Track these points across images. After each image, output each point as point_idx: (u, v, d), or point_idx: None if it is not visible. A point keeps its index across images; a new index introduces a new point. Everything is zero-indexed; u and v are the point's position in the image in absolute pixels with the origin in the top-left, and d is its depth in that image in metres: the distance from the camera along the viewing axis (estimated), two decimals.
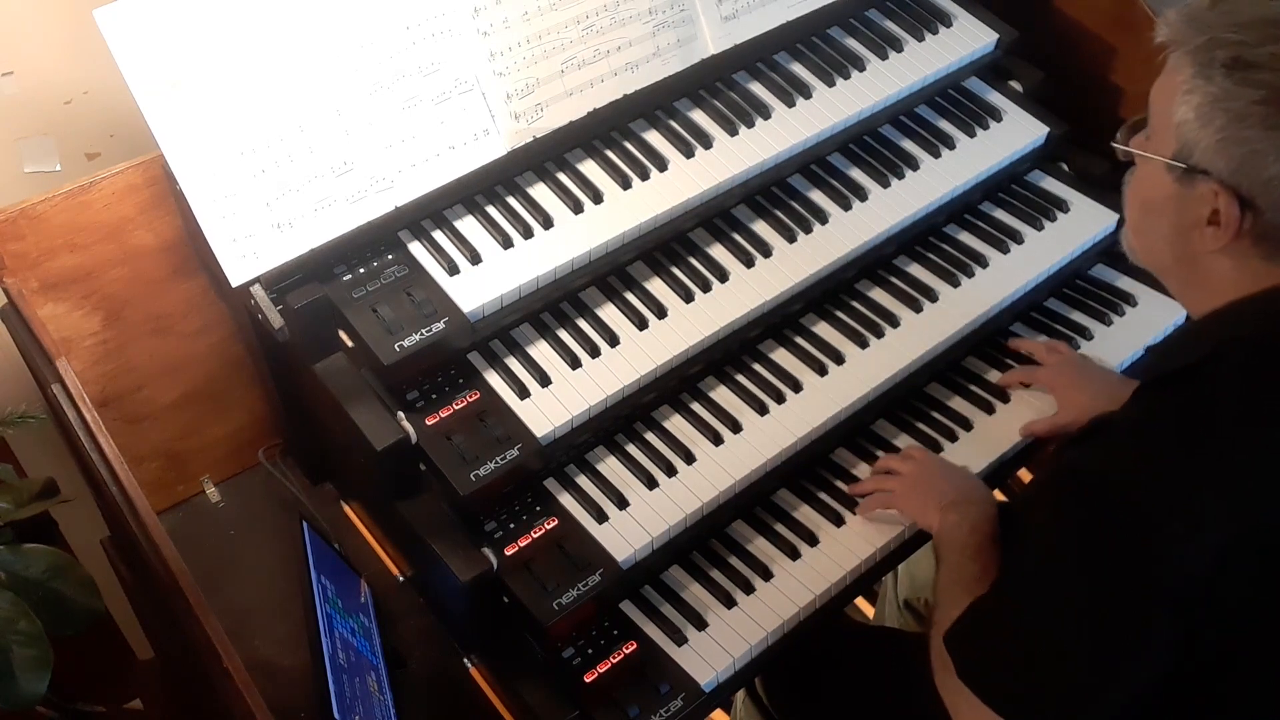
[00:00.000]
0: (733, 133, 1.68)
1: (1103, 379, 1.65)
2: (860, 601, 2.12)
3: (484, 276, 1.50)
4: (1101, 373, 1.68)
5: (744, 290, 1.61)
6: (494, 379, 1.51)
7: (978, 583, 1.30)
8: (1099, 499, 1.11)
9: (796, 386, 1.62)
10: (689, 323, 1.57)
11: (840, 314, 1.72)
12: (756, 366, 1.65)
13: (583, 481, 1.53)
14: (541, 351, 1.54)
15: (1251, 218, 1.10)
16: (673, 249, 1.65)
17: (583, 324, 1.57)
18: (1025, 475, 2.28)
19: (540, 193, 1.60)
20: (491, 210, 1.58)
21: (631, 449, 1.56)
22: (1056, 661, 1.13)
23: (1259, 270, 1.13)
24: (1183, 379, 1.11)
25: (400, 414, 1.44)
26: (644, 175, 1.62)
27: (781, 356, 1.66)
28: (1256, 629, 1.10)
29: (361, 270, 1.49)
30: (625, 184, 1.61)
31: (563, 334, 1.56)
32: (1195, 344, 1.16)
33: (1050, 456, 1.30)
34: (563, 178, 1.61)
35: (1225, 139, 1.08)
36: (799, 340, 1.68)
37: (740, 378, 1.63)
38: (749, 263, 1.64)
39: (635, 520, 1.48)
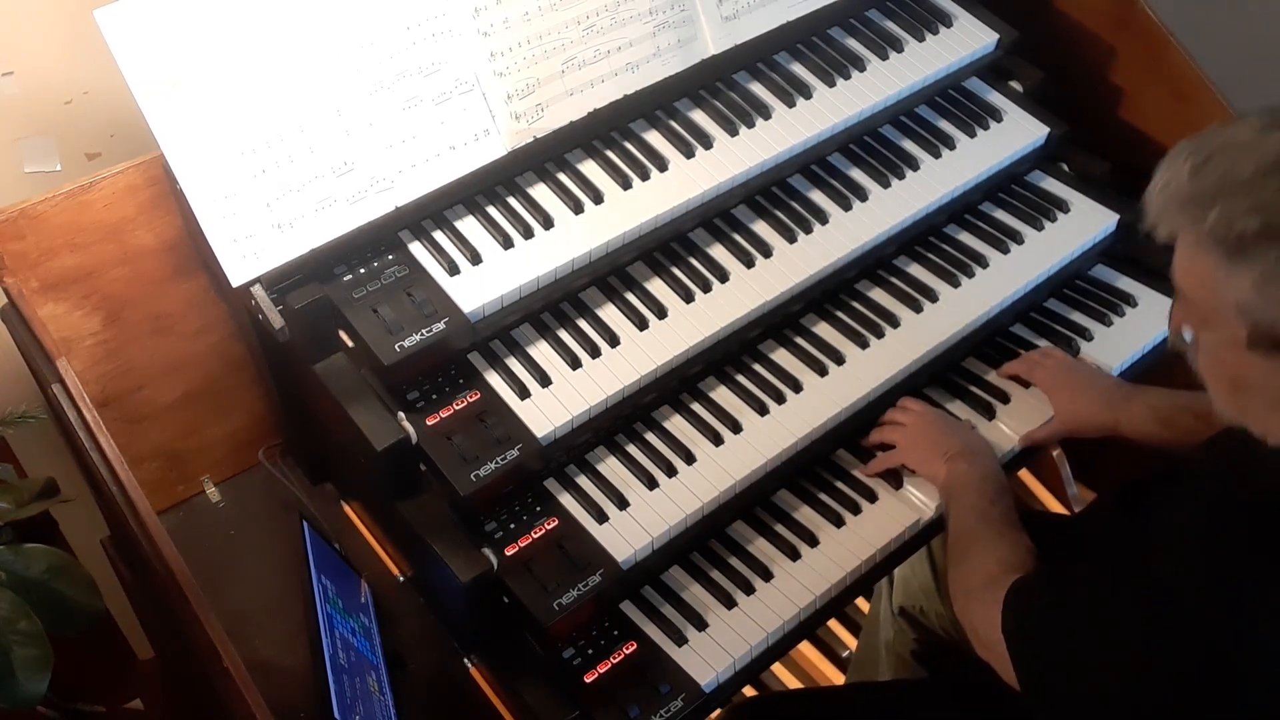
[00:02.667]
0: (733, 133, 1.68)
1: (1098, 383, 1.65)
2: (860, 602, 2.12)
3: (484, 276, 1.50)
4: (1096, 376, 1.67)
5: (744, 290, 1.61)
6: (494, 379, 1.51)
7: (1003, 522, 1.31)
8: (1170, 616, 1.06)
9: (797, 387, 1.62)
10: (689, 323, 1.57)
11: (840, 314, 1.72)
12: (757, 367, 1.65)
13: (583, 482, 1.53)
14: (542, 351, 1.54)
15: None
16: (673, 249, 1.65)
17: (583, 324, 1.57)
18: (1026, 476, 2.29)
19: (540, 193, 1.60)
20: (492, 210, 1.58)
21: (632, 449, 1.56)
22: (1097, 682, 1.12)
23: None
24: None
25: (400, 414, 1.44)
26: (644, 175, 1.62)
27: (782, 357, 1.66)
28: None
29: (362, 270, 1.49)
30: (625, 184, 1.61)
31: (563, 334, 1.56)
32: None
33: (1120, 501, 1.28)
34: (563, 178, 1.61)
35: None
36: (799, 340, 1.68)
37: (740, 378, 1.63)
38: (749, 263, 1.64)
39: (635, 520, 1.48)
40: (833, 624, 2.15)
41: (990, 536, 1.33)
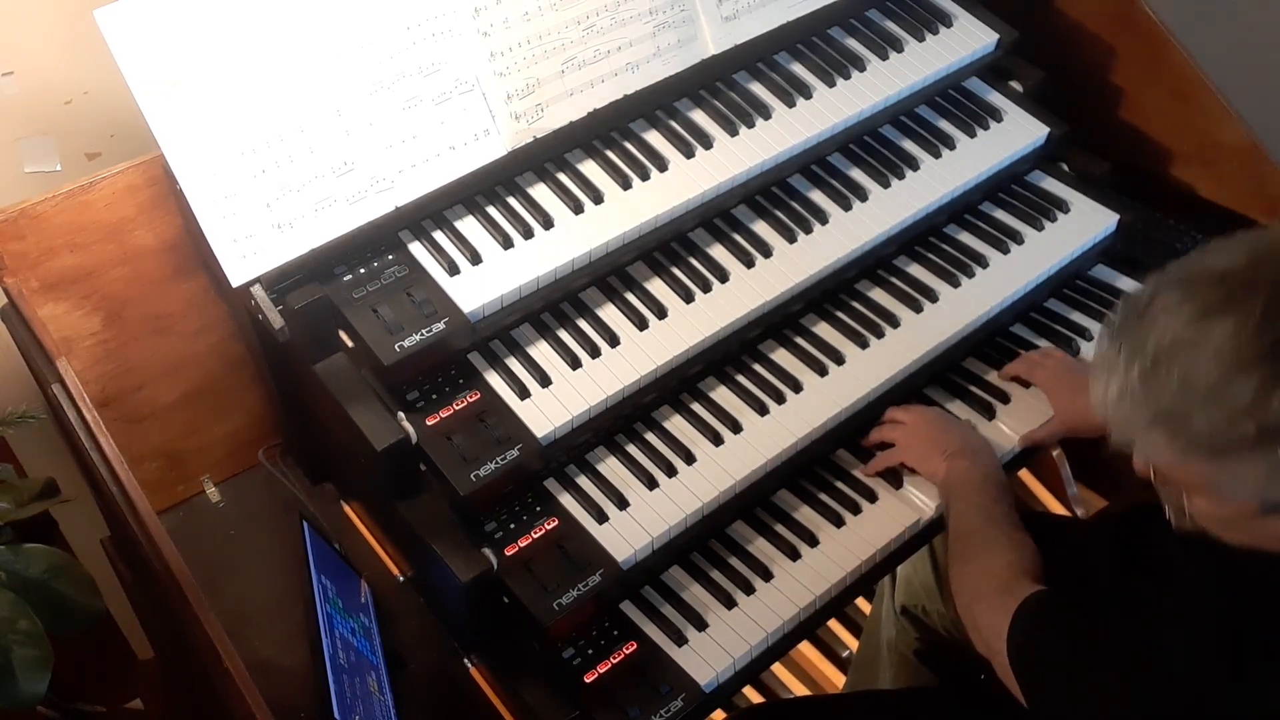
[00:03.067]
0: (733, 133, 1.68)
1: None
2: (861, 601, 2.12)
3: (484, 277, 1.50)
4: None
5: (744, 290, 1.61)
6: (494, 379, 1.51)
7: (1008, 522, 1.31)
8: (1168, 689, 1.08)
9: (797, 387, 1.62)
10: (689, 323, 1.57)
11: (840, 314, 1.72)
12: (757, 367, 1.65)
13: (583, 482, 1.53)
14: (542, 351, 1.54)
15: None
16: (673, 249, 1.65)
17: (583, 324, 1.57)
18: (1026, 476, 2.29)
19: (540, 193, 1.60)
20: (492, 210, 1.58)
21: (632, 449, 1.56)
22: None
23: None
24: None
25: (400, 414, 1.44)
26: (644, 175, 1.62)
27: (782, 357, 1.66)
28: None
29: (362, 270, 1.49)
30: (625, 184, 1.61)
31: (563, 334, 1.56)
32: None
33: (1128, 523, 1.28)
34: (563, 178, 1.61)
35: None
36: (799, 340, 1.68)
37: (740, 378, 1.63)
38: (749, 263, 1.64)
39: (635, 520, 1.48)
40: (833, 624, 2.15)
41: (998, 538, 1.33)
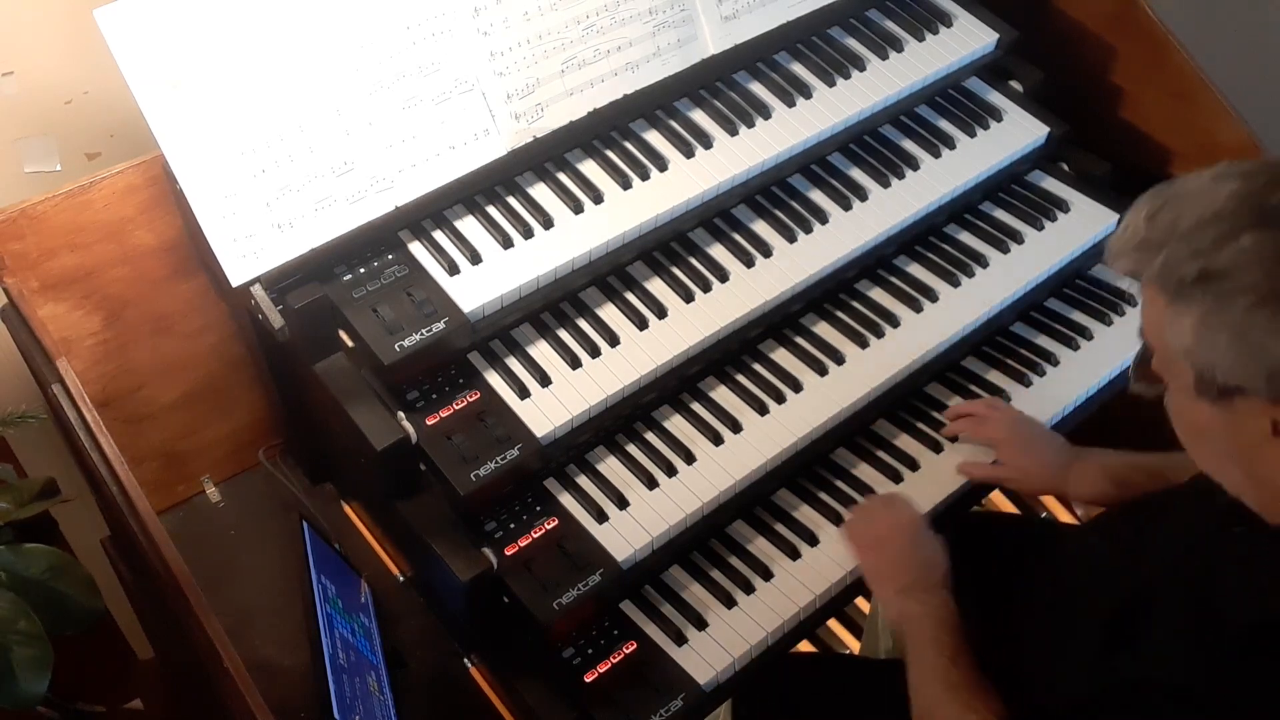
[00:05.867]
0: (733, 133, 1.68)
1: (1045, 442, 1.59)
2: (860, 601, 2.12)
3: (484, 276, 1.50)
4: (1042, 435, 1.61)
5: (744, 290, 1.61)
6: (494, 379, 1.51)
7: (970, 692, 1.25)
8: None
9: (796, 386, 1.62)
10: (689, 323, 1.57)
11: (840, 314, 1.72)
12: (756, 366, 1.65)
13: (583, 481, 1.53)
14: (541, 351, 1.54)
15: None
16: (673, 249, 1.65)
17: (583, 324, 1.57)
18: None
19: (540, 193, 1.60)
20: (492, 210, 1.58)
21: (632, 449, 1.56)
22: None
23: None
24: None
25: (400, 414, 1.44)
26: (644, 175, 1.62)
27: (781, 356, 1.66)
28: None
29: (362, 270, 1.49)
30: (625, 184, 1.61)
31: (563, 334, 1.56)
32: None
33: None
34: (563, 178, 1.61)
35: (1240, 354, 0.97)
36: (799, 340, 1.68)
37: (740, 378, 1.63)
38: (749, 263, 1.64)
39: (635, 520, 1.48)
40: (833, 624, 2.15)
41: (959, 713, 1.26)
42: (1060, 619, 1.29)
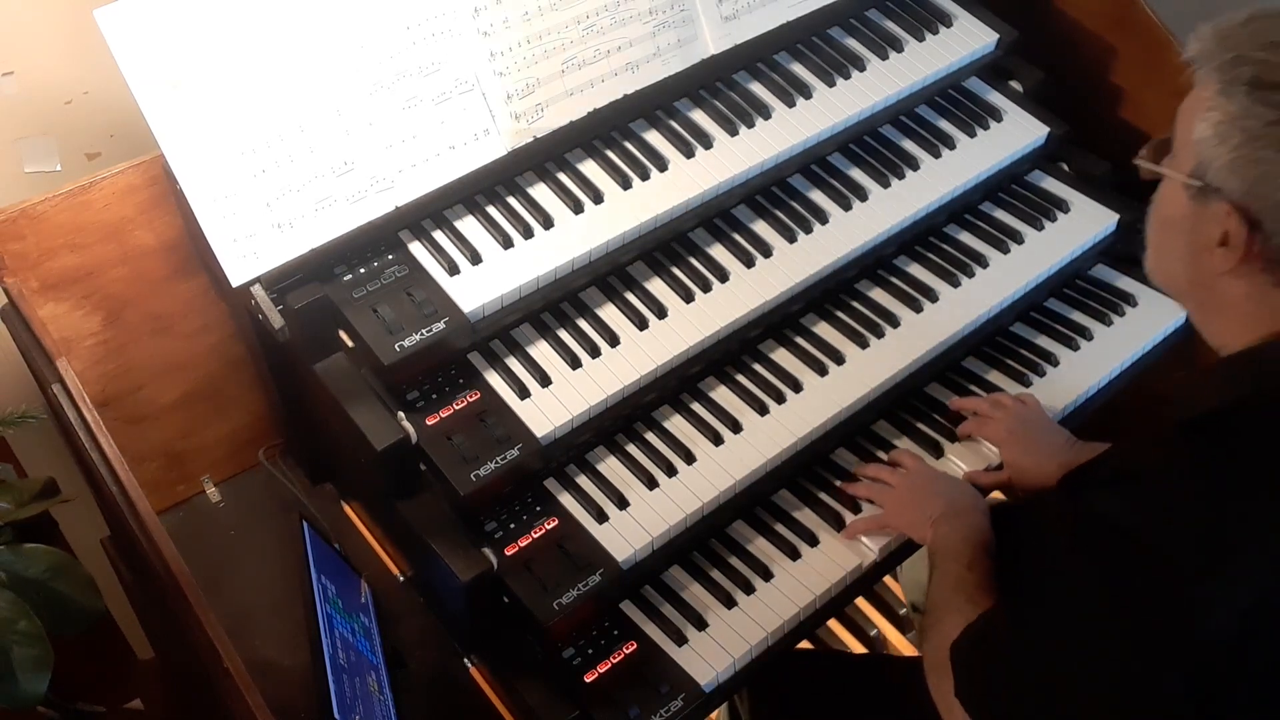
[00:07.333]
0: (733, 133, 1.68)
1: (1049, 440, 1.59)
2: (860, 602, 2.12)
3: (484, 276, 1.50)
4: (1048, 432, 1.61)
5: (744, 290, 1.61)
6: (494, 379, 1.51)
7: (978, 589, 1.29)
8: (1128, 551, 1.07)
9: (796, 386, 1.62)
10: (689, 323, 1.57)
11: (840, 314, 1.72)
12: (757, 366, 1.65)
13: (583, 481, 1.53)
14: (542, 351, 1.54)
15: (1261, 240, 1.07)
16: (673, 249, 1.65)
17: (583, 324, 1.57)
18: None
19: (540, 193, 1.60)
20: (492, 210, 1.58)
21: (632, 449, 1.56)
22: (1063, 703, 1.10)
23: (1272, 298, 1.10)
24: (1215, 426, 1.06)
25: (400, 414, 1.44)
26: (644, 175, 1.62)
27: (782, 356, 1.66)
28: (1278, 698, 1.05)
29: (362, 270, 1.49)
30: (625, 184, 1.61)
31: (563, 334, 1.56)
32: (1226, 385, 1.11)
33: (1064, 487, 1.26)
34: (563, 178, 1.61)
35: (1239, 158, 1.06)
36: (799, 340, 1.68)
37: (740, 378, 1.63)
38: (749, 263, 1.64)
39: (635, 520, 1.48)
40: (833, 624, 2.15)
41: (961, 605, 1.28)
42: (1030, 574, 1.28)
